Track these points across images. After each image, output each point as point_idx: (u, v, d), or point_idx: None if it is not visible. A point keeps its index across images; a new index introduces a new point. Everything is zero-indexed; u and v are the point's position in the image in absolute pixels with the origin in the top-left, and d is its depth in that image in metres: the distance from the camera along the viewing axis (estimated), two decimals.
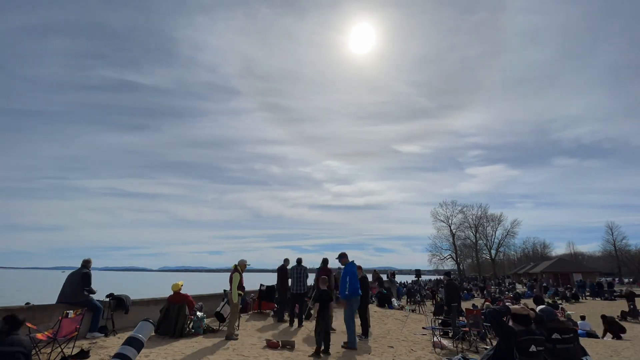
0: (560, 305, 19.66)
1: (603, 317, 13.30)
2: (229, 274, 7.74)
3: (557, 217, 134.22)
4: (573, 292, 28.17)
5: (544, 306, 4.40)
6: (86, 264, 6.97)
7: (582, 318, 13.67)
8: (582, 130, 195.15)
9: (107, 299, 7.17)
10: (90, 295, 6.70)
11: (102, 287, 7.31)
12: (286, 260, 10.18)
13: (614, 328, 12.68)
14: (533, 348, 3.24)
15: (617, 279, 54.03)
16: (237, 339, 7.14)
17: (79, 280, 6.61)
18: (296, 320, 9.27)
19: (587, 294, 29.75)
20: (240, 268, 7.70)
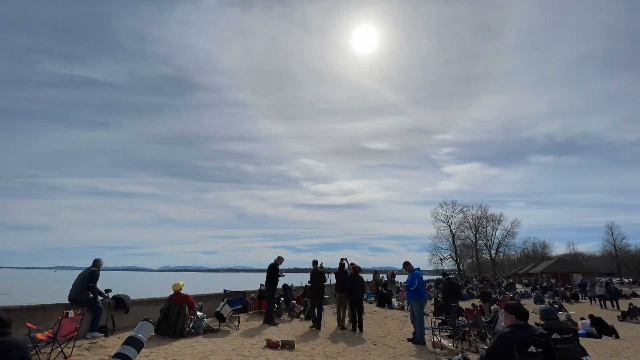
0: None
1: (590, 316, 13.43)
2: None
3: (546, 216, 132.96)
4: (573, 292, 28.19)
5: (544, 305, 4.40)
6: (96, 263, 7.04)
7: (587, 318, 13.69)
8: (553, 127, 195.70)
9: (106, 294, 7.18)
10: (92, 295, 6.70)
11: (102, 287, 7.32)
12: (315, 262, 10.04)
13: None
14: (532, 348, 3.24)
15: (617, 279, 54.01)
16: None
17: (88, 279, 6.68)
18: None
19: (588, 293, 29.73)
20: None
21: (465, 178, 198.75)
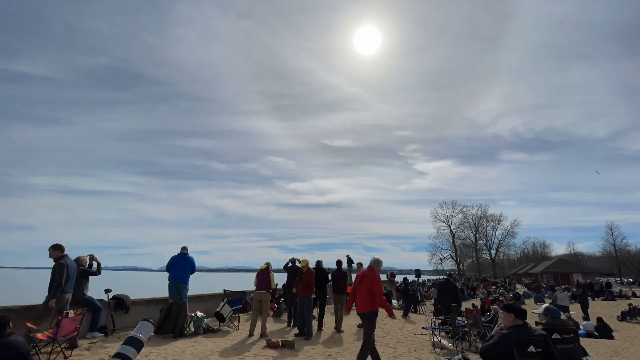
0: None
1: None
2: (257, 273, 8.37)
3: (537, 215, 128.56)
4: (573, 292, 28.16)
5: (547, 305, 4.39)
6: (81, 262, 6.90)
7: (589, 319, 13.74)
8: (514, 123, 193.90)
9: (106, 294, 7.16)
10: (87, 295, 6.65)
11: (101, 287, 7.30)
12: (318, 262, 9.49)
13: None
14: (532, 348, 3.24)
15: (617, 279, 54.05)
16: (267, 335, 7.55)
17: (78, 279, 6.58)
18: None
19: (590, 294, 29.74)
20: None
21: (439, 176, 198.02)
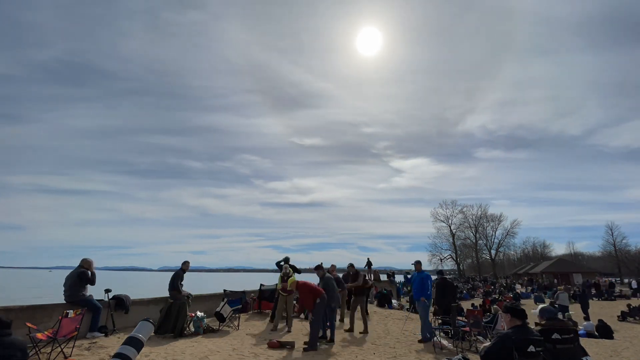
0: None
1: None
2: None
3: (532, 214, 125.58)
4: (573, 292, 28.17)
5: (544, 305, 4.40)
6: (83, 263, 6.94)
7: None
8: (483, 119, 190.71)
9: (106, 294, 7.17)
10: (88, 295, 6.66)
11: (101, 287, 7.31)
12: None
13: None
14: (531, 348, 3.25)
15: (617, 279, 54.03)
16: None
17: (76, 280, 6.60)
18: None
19: (594, 293, 29.85)
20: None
21: (418, 174, 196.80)
